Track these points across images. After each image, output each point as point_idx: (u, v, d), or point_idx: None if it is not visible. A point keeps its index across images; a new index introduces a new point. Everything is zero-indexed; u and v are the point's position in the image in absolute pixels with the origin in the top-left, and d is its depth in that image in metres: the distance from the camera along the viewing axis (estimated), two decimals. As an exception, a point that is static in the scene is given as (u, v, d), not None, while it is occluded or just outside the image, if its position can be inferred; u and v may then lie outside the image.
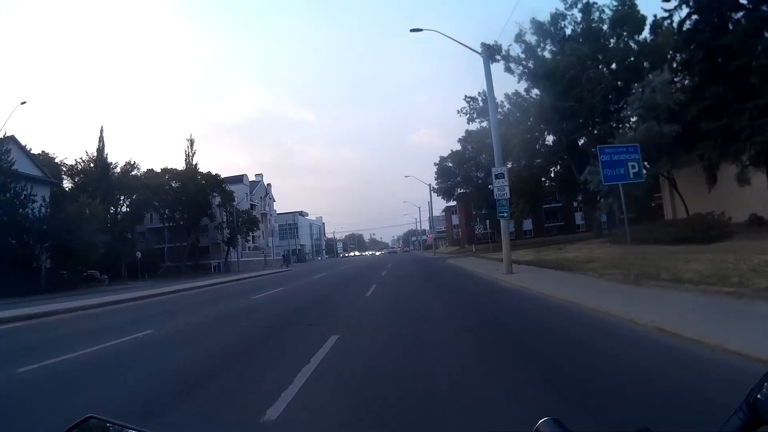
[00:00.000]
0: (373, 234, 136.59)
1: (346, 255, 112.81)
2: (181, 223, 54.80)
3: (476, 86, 66.71)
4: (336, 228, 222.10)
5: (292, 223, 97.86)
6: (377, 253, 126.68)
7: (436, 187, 48.34)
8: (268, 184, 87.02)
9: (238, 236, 56.94)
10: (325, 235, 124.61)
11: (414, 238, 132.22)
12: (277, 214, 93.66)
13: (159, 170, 52.32)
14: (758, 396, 0.75)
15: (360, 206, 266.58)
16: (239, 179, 72.66)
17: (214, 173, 55.09)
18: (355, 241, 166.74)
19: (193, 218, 54.02)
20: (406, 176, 69.49)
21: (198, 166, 55.60)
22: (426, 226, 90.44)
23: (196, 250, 55.64)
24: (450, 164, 48.32)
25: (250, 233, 59.48)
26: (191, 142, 57.56)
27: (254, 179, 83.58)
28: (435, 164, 48.62)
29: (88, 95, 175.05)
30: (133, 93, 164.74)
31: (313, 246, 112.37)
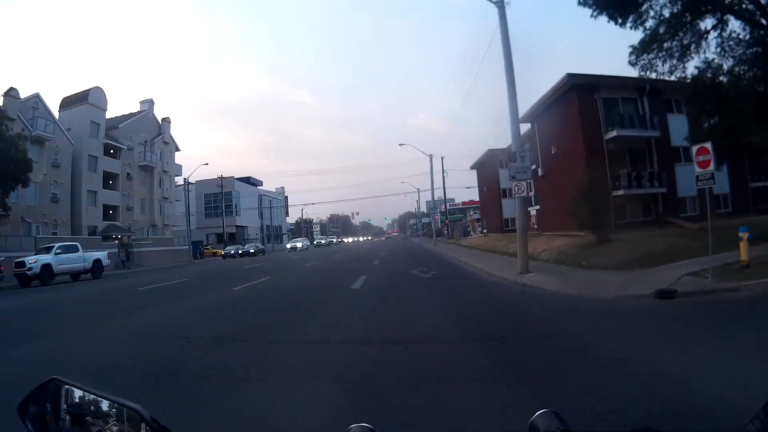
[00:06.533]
0: (357, 213, 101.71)
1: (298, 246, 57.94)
2: None
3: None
4: (318, 209, 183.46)
5: (219, 193, 56.83)
6: (361, 239, 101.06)
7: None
8: (164, 119, 49.34)
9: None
10: (288, 214, 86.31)
11: (413, 221, 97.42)
12: (198, 181, 53.90)
13: None
14: None
15: (354, 190, 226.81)
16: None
17: None
18: (338, 223, 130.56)
19: None
20: (400, 144, 41.88)
21: None
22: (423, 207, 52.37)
23: None
24: None
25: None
26: None
27: (140, 109, 46.82)
28: None
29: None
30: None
31: (264, 228, 73.51)
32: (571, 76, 20.25)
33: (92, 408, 0.94)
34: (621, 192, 19.06)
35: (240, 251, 42.85)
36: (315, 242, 67.19)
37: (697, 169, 7.65)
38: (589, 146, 19.51)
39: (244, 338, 5.86)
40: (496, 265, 13.59)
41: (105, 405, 0.93)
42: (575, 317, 6.23)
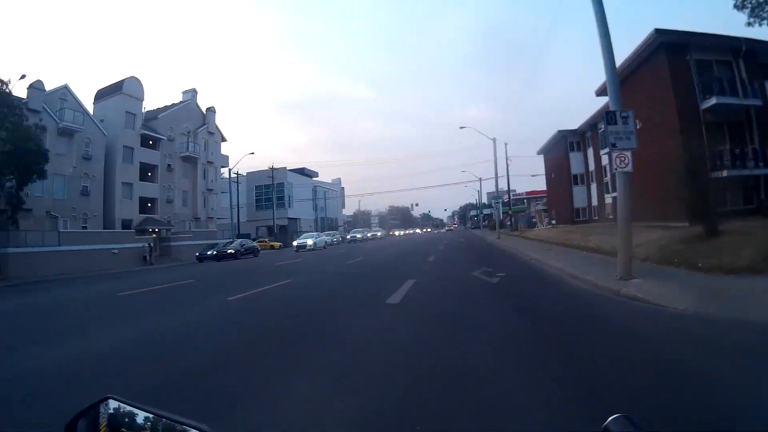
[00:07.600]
0: (416, 205, 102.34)
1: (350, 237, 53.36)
2: None
3: None
4: (377, 200, 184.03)
5: (270, 184, 55.17)
6: (419, 231, 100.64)
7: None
8: (209, 109, 47.88)
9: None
10: (344, 205, 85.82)
11: (473, 212, 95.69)
12: (249, 172, 56.97)
13: None
14: None
15: (413, 179, 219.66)
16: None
17: None
18: (398, 215, 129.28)
19: None
20: (461, 127, 40.89)
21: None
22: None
23: None
24: None
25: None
26: None
27: (182, 99, 45.92)
28: None
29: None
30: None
31: (318, 221, 71.65)
32: (659, 33, 17.16)
33: (150, 429, 0.89)
34: (723, 173, 15.96)
35: (214, 252, 29.91)
36: (349, 236, 53.32)
37: None
38: (683, 117, 16.25)
39: None
40: (581, 265, 11.02)
41: (164, 425, 0.87)
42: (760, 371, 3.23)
